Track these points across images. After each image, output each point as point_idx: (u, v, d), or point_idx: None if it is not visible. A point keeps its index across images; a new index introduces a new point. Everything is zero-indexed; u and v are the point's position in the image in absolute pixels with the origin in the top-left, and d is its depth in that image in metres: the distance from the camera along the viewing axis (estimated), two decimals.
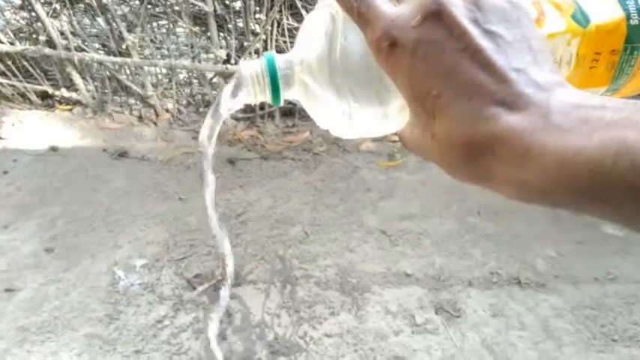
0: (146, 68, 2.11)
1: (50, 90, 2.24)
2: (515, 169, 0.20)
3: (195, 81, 2.21)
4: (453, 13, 0.22)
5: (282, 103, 0.31)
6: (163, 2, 1.93)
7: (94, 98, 2.26)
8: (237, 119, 2.27)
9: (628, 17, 0.28)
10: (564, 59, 0.29)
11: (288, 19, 1.91)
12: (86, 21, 2.10)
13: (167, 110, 2.26)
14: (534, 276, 1.58)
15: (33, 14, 1.99)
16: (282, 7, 1.86)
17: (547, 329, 1.41)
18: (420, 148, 0.25)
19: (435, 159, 0.24)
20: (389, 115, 0.28)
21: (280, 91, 0.30)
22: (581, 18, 0.28)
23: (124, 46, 2.03)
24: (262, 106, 2.22)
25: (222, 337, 1.35)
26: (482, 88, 0.21)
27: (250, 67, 0.30)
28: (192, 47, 2.04)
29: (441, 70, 0.22)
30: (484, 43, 0.21)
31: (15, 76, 2.19)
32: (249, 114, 2.26)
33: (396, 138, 2.08)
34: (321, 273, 1.56)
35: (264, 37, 1.95)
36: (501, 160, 0.21)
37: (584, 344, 1.38)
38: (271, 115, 2.26)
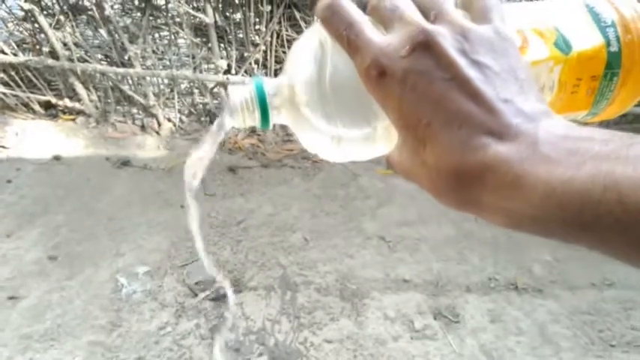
0: (148, 78, 2.14)
1: (53, 100, 2.27)
2: (504, 198, 0.21)
3: (196, 91, 2.24)
4: (441, 43, 0.22)
5: (270, 128, 0.32)
6: (165, 14, 1.96)
7: (96, 108, 2.29)
8: (237, 128, 2.29)
9: (608, 44, 0.29)
10: (547, 85, 0.29)
11: (287, 30, 1.95)
12: (89, 32, 2.13)
13: (169, 120, 2.29)
14: (532, 281, 1.60)
15: (36, 26, 2.03)
16: (282, 19, 1.89)
17: (545, 334, 1.43)
18: (409, 173, 0.25)
19: (425, 185, 0.24)
20: (377, 140, 0.29)
21: (269, 115, 0.30)
22: (563, 45, 0.29)
23: (126, 57, 2.06)
24: None
25: (223, 343, 1.37)
26: (471, 118, 0.21)
27: (239, 93, 0.30)
28: (193, 58, 2.07)
29: (430, 99, 0.22)
30: (472, 73, 0.22)
31: (18, 86, 2.22)
32: None
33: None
34: (321, 279, 1.58)
35: (263, 47, 1.98)
36: (490, 189, 0.21)
37: (582, 349, 1.39)
38: None
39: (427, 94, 0.22)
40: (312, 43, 0.29)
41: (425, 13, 0.25)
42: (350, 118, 0.28)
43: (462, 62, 0.22)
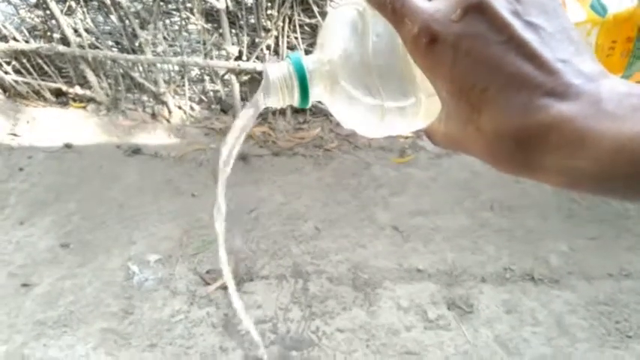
0: (159, 65, 2.12)
1: (64, 87, 2.26)
2: (568, 157, 0.20)
3: (207, 78, 2.22)
4: (494, 6, 0.22)
5: (309, 106, 0.31)
6: None
7: (107, 95, 2.28)
8: None
9: None
10: None
11: (299, 15, 1.92)
12: (99, 18, 2.11)
13: (179, 107, 2.27)
14: (548, 272, 1.57)
15: (47, 12, 2.02)
16: (294, 3, 1.86)
17: (561, 325, 1.40)
18: (459, 142, 0.25)
19: (479, 152, 0.24)
20: (419, 112, 0.28)
21: (309, 92, 0.29)
22: (599, 7, 0.28)
23: (136, 44, 2.05)
24: None
25: (235, 331, 1.36)
26: (530, 80, 0.21)
27: (276, 70, 0.29)
28: (204, 44, 2.05)
29: (486, 63, 0.22)
30: (527, 35, 0.21)
31: (29, 73, 2.22)
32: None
33: (407, 134, 2.07)
34: (333, 268, 1.57)
35: (275, 33, 1.95)
36: (554, 148, 0.21)
37: (599, 340, 1.37)
38: (282, 112, 2.26)
39: (482, 58, 0.22)
40: (349, 15, 0.28)
41: None
42: (394, 89, 0.27)
43: (516, 24, 0.22)
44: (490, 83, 0.22)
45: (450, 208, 1.82)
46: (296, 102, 0.30)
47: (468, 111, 0.23)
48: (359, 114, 0.29)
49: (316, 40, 0.31)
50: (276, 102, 0.30)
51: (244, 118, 0.33)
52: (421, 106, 0.28)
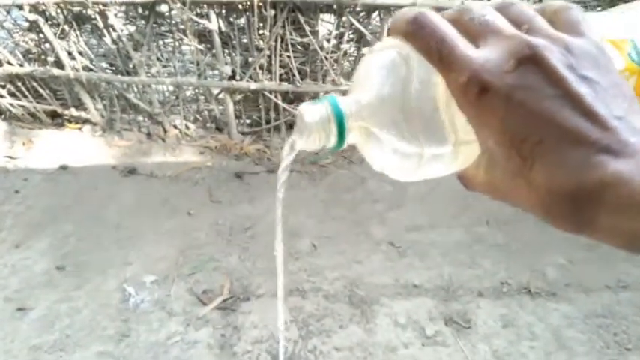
0: (153, 86, 2.14)
1: (60, 109, 2.27)
2: (624, 217, 0.20)
3: (201, 97, 2.24)
4: (549, 58, 0.22)
5: (343, 148, 0.29)
6: (169, 21, 1.96)
7: (102, 117, 2.29)
8: (243, 134, 2.29)
9: None
10: None
11: (291, 34, 1.94)
12: (93, 41, 2.13)
13: (175, 127, 2.28)
14: (545, 285, 1.57)
15: (41, 36, 2.04)
16: (285, 23, 1.88)
17: (559, 339, 1.40)
18: (504, 192, 0.25)
19: (529, 205, 0.23)
20: (457, 158, 0.28)
21: (346, 138, 0.28)
22: (636, 56, 0.28)
23: (131, 65, 2.06)
24: (268, 120, 2.24)
25: (231, 352, 1.36)
26: (586, 136, 0.21)
27: (314, 112, 0.28)
28: (197, 64, 2.06)
29: (541, 116, 0.21)
30: (582, 89, 0.21)
31: (25, 96, 2.23)
32: (255, 128, 2.28)
33: None
34: (330, 285, 1.56)
35: (268, 52, 1.97)
36: (610, 208, 0.20)
37: (598, 353, 1.36)
38: (277, 129, 2.28)
39: (537, 111, 0.21)
40: (390, 58, 0.28)
41: (516, 27, 0.24)
42: (433, 136, 0.27)
43: (570, 78, 0.21)
44: (544, 137, 0.21)
45: (446, 223, 1.82)
46: (331, 145, 0.29)
47: (518, 163, 0.22)
48: (395, 160, 0.29)
49: (351, 82, 0.30)
50: (311, 145, 0.29)
51: (284, 163, 0.32)
52: (459, 153, 0.28)
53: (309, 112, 0.28)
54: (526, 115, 0.21)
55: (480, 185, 0.26)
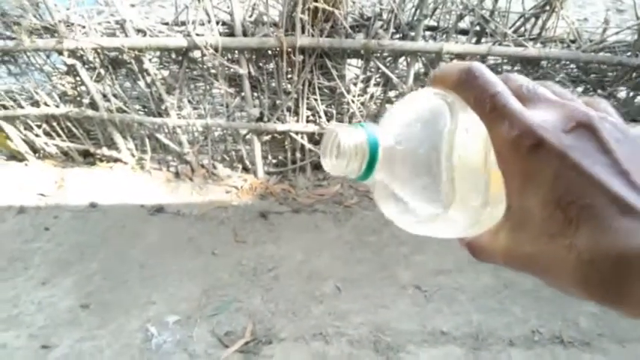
0: (183, 127, 2.19)
1: (92, 149, 2.34)
2: None
3: (229, 138, 2.28)
4: (602, 128, 0.23)
5: (365, 182, 0.27)
6: (201, 66, 2.03)
7: (133, 156, 2.35)
8: (269, 173, 2.31)
9: None
10: None
11: (319, 79, 1.98)
12: (127, 84, 2.21)
13: (202, 166, 2.32)
14: (578, 334, 1.50)
15: (78, 79, 2.12)
16: (313, 68, 1.93)
17: None
18: (531, 258, 0.24)
19: (562, 272, 0.23)
20: (478, 221, 0.27)
21: (375, 169, 0.26)
22: None
23: (162, 107, 2.13)
24: (294, 160, 2.26)
25: None
26: (634, 205, 0.21)
27: (350, 137, 0.26)
28: (227, 107, 2.11)
29: (593, 180, 0.22)
30: (630, 166, 0.22)
31: (59, 135, 2.31)
32: (281, 168, 2.30)
33: None
34: (354, 331, 1.53)
35: (295, 95, 2.01)
36: None
37: None
38: (302, 169, 2.29)
39: (589, 174, 0.22)
40: (433, 104, 0.27)
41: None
42: (464, 194, 0.26)
43: (619, 151, 0.23)
44: (594, 201, 0.22)
45: (473, 267, 1.78)
46: (354, 175, 0.27)
47: (561, 224, 0.22)
48: (403, 216, 0.28)
49: (386, 116, 0.29)
50: (336, 169, 0.27)
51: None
52: (481, 216, 0.27)
53: (346, 135, 0.26)
54: (578, 177, 0.22)
55: (497, 252, 0.26)
